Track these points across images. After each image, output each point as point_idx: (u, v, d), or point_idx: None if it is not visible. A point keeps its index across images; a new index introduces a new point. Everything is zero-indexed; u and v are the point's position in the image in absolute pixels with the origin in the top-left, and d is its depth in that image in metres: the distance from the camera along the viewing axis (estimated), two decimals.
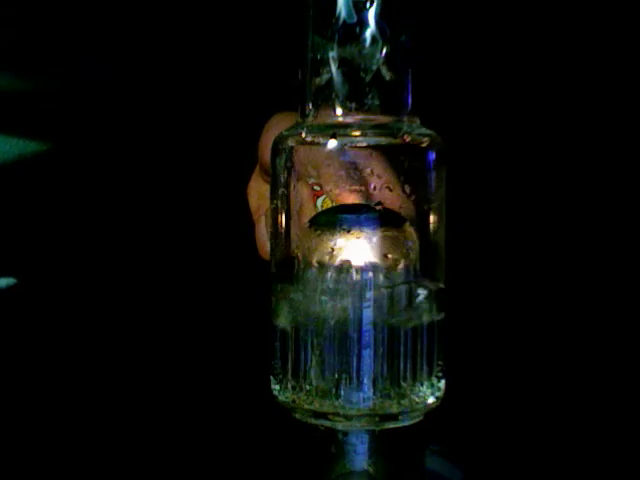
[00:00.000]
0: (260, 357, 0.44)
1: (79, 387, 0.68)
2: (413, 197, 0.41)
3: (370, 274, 0.40)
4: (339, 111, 0.41)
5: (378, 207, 0.40)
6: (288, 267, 0.42)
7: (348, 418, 0.40)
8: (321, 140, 0.41)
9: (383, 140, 0.41)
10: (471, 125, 0.67)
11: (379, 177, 0.40)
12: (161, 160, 0.69)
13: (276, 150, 0.42)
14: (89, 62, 0.70)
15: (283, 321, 0.42)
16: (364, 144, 0.41)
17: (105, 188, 0.70)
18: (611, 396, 0.67)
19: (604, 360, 0.68)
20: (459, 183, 0.46)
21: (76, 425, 0.66)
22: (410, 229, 0.41)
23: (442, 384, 0.42)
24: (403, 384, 0.40)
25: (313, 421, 0.41)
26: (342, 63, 0.40)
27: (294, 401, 0.41)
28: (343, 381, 0.40)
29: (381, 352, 0.40)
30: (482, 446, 0.62)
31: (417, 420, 0.41)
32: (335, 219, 0.41)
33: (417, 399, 0.41)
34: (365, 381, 0.40)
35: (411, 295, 0.41)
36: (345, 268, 0.40)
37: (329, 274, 0.40)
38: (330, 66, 0.40)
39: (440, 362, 0.42)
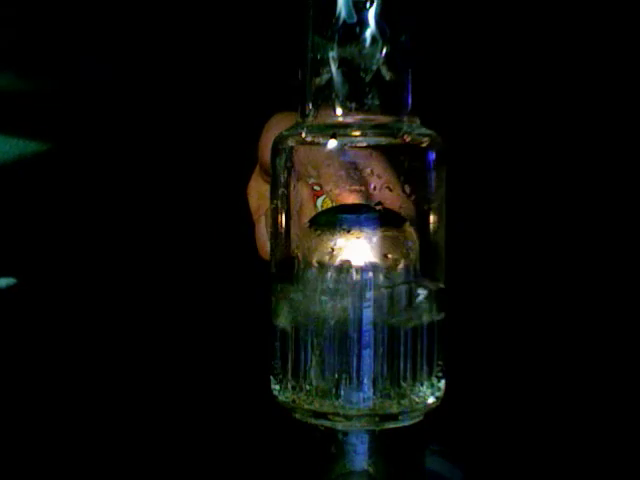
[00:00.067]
0: (260, 357, 0.44)
1: (79, 387, 0.68)
2: (413, 197, 0.41)
3: (370, 274, 0.40)
4: (339, 111, 0.41)
5: (378, 207, 0.40)
6: (288, 267, 0.42)
7: (348, 418, 0.40)
8: (321, 140, 0.41)
9: (383, 140, 0.41)
10: (471, 125, 0.67)
11: (379, 177, 0.40)
12: (161, 160, 0.69)
13: (276, 150, 0.42)
14: (89, 62, 0.70)
15: (283, 321, 0.42)
16: (364, 144, 0.41)
17: (105, 188, 0.70)
18: (611, 396, 0.67)
19: (604, 360, 0.68)
20: (459, 183, 0.46)
21: (76, 425, 0.66)
22: (410, 229, 0.41)
23: (442, 384, 0.42)
24: (403, 384, 0.40)
25: (313, 421, 0.41)
26: (342, 63, 0.40)
27: (294, 401, 0.41)
28: (343, 381, 0.40)
29: (381, 352, 0.40)
30: (482, 446, 0.62)
31: (417, 420, 0.41)
32: (335, 219, 0.41)
33: (417, 399, 0.41)
34: (365, 381, 0.40)
35: (411, 295, 0.41)
36: (345, 268, 0.40)
37: (329, 274, 0.40)
38: (330, 66, 0.40)
39: (440, 362, 0.42)
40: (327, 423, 0.40)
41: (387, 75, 0.40)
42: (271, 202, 0.43)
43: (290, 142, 0.42)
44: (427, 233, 0.42)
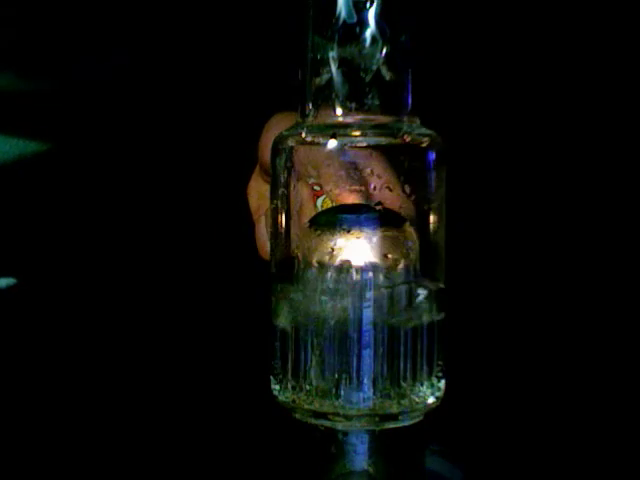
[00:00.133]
0: (260, 357, 0.44)
1: (79, 387, 0.68)
2: (413, 197, 0.41)
3: (370, 274, 0.40)
4: (339, 111, 0.41)
5: (378, 207, 0.40)
6: (288, 267, 0.42)
7: (348, 418, 0.40)
8: (321, 140, 0.41)
9: (383, 140, 0.41)
10: (471, 125, 0.67)
11: (379, 177, 0.40)
12: (161, 160, 0.69)
13: (276, 150, 0.42)
14: (89, 62, 0.70)
15: (283, 321, 0.42)
16: (364, 144, 0.41)
17: (105, 188, 0.70)
18: (611, 395, 0.67)
19: (604, 359, 0.68)
20: (459, 183, 0.46)
21: (76, 425, 0.66)
22: (410, 229, 0.41)
23: (442, 384, 0.42)
24: (403, 384, 0.40)
25: (313, 421, 0.41)
26: (342, 63, 0.40)
27: (294, 401, 0.41)
28: (343, 381, 0.40)
29: (381, 352, 0.40)
30: (482, 446, 0.62)
31: (417, 420, 0.41)
32: (335, 219, 0.41)
33: (417, 399, 0.41)
34: (365, 381, 0.40)
35: (411, 295, 0.41)
36: (345, 268, 0.40)
37: (329, 274, 0.40)
38: (330, 66, 0.40)
39: (440, 362, 0.42)
40: (327, 423, 0.40)
41: (387, 75, 0.40)
42: (271, 202, 0.43)
43: (290, 142, 0.42)
44: (427, 233, 0.42)
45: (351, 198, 0.41)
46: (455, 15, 0.67)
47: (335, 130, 0.40)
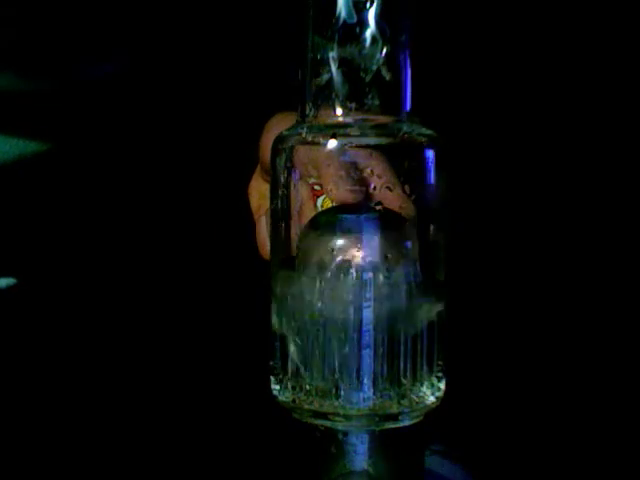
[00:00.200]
0: (260, 357, 0.44)
1: (79, 387, 0.68)
2: (413, 197, 0.41)
3: (370, 274, 0.40)
4: (339, 111, 0.41)
5: (378, 207, 0.40)
6: (288, 267, 0.42)
7: (348, 418, 0.40)
8: (321, 140, 0.41)
9: (383, 140, 0.41)
10: (471, 125, 0.67)
11: (379, 177, 0.40)
12: (162, 160, 0.69)
13: (276, 150, 0.42)
14: (89, 62, 0.70)
15: (283, 321, 0.42)
16: (364, 144, 0.41)
17: (105, 188, 0.70)
18: (611, 395, 0.67)
19: (604, 359, 0.68)
20: (459, 183, 0.46)
21: (76, 425, 0.66)
22: (410, 229, 0.41)
23: (442, 384, 0.42)
24: (403, 384, 0.40)
25: (313, 421, 0.41)
26: (342, 63, 0.40)
27: (294, 401, 0.41)
28: (343, 381, 0.40)
29: (381, 352, 0.40)
30: (482, 446, 0.62)
31: (417, 420, 0.41)
32: (335, 219, 0.41)
33: (417, 399, 0.41)
34: (365, 381, 0.40)
35: (411, 295, 0.41)
36: (345, 268, 0.40)
37: (329, 274, 0.40)
38: (330, 66, 0.40)
39: (440, 362, 0.42)
40: (327, 423, 0.40)
41: (387, 75, 0.40)
42: (271, 202, 0.43)
43: (290, 142, 0.42)
44: (427, 233, 0.42)
45: (351, 198, 0.41)
46: (455, 15, 0.67)
47: (335, 130, 0.40)
